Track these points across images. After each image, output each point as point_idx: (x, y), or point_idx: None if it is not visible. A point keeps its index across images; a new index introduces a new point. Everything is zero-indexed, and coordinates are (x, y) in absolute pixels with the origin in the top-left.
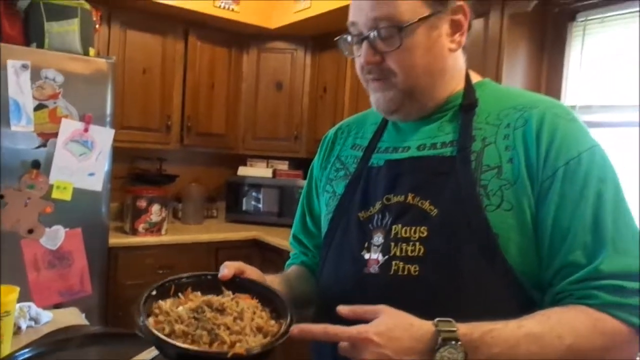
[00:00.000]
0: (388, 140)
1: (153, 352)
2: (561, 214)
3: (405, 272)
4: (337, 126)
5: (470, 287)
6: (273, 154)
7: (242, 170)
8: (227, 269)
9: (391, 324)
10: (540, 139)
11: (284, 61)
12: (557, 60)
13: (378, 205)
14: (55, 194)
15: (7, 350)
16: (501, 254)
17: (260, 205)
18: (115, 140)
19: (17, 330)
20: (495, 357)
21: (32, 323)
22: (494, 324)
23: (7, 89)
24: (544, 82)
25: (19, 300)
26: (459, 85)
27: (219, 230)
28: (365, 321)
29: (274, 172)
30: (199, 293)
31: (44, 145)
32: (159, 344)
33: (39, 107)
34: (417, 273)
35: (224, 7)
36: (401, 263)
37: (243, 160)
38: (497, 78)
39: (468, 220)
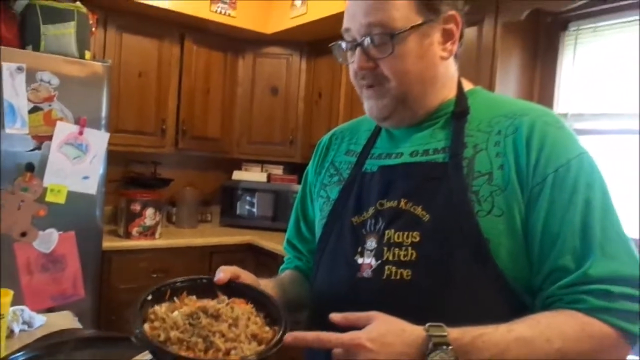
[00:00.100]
0: (381, 146)
1: (147, 355)
2: (551, 220)
3: (398, 277)
4: (331, 132)
5: (462, 291)
6: (268, 158)
7: (237, 175)
8: (223, 273)
9: (383, 329)
10: (530, 146)
11: (279, 66)
12: (550, 69)
13: (371, 211)
14: (49, 197)
15: (0, 354)
16: (492, 259)
17: (255, 210)
18: (110, 143)
19: (10, 333)
20: None
21: (26, 327)
22: (485, 329)
23: (2, 92)
24: (537, 89)
25: (12, 304)
26: (451, 93)
27: (213, 235)
28: (358, 328)
29: (269, 177)
30: (194, 297)
31: (38, 148)
32: (156, 351)
33: (33, 110)
34: (409, 278)
35: (220, 12)
36: (394, 268)
37: (238, 165)
38: (491, 85)
39: (460, 226)
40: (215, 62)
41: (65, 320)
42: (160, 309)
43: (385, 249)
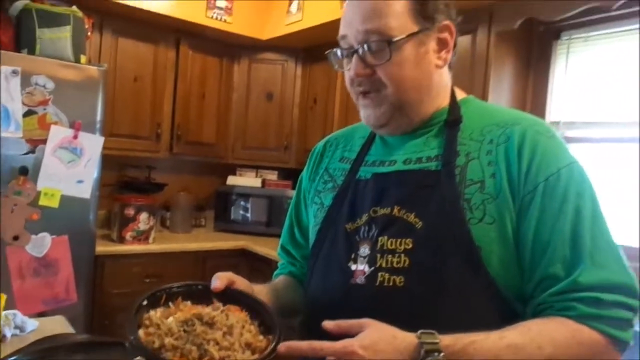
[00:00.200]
0: (375, 154)
1: None
2: (541, 228)
3: (391, 283)
4: (325, 139)
5: (454, 298)
6: (262, 163)
7: (232, 180)
8: (219, 280)
9: (376, 337)
10: (522, 155)
11: (274, 72)
12: (542, 77)
13: (365, 217)
14: (42, 201)
15: None
16: (484, 266)
17: (249, 215)
18: (104, 147)
19: (2, 338)
20: None
21: (18, 331)
22: (476, 335)
23: None
24: (530, 98)
25: (4, 308)
26: (444, 102)
27: (207, 240)
28: (351, 335)
29: (263, 182)
30: (189, 303)
31: (32, 151)
32: (150, 358)
33: (28, 114)
34: (402, 284)
35: (216, 18)
36: (387, 274)
37: (232, 170)
38: (484, 93)
39: (452, 233)
40: (210, 68)
41: (58, 325)
42: (155, 314)
43: (379, 255)
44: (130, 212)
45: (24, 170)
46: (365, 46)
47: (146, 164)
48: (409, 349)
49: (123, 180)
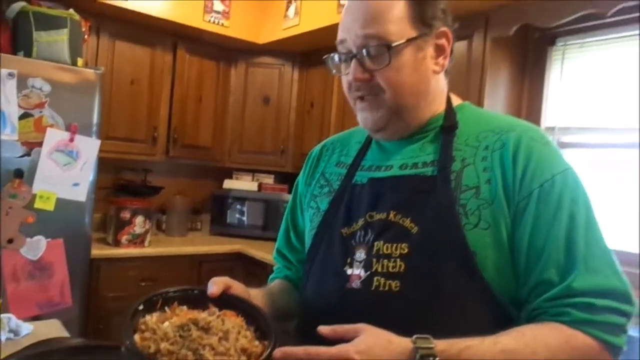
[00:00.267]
0: (371, 158)
1: None
2: (536, 234)
3: (387, 288)
4: (322, 143)
5: (450, 303)
6: (259, 167)
7: (228, 183)
8: (216, 286)
9: (371, 342)
10: (517, 162)
11: (271, 76)
12: (538, 83)
13: (361, 222)
14: (38, 204)
15: None
16: (479, 272)
17: (245, 219)
18: (100, 150)
19: None
20: None
21: (12, 335)
22: (471, 341)
23: None
24: (525, 103)
25: None
26: (440, 107)
27: (203, 243)
28: (346, 340)
29: (260, 186)
30: (185, 307)
31: (28, 154)
32: None
33: (24, 116)
34: (397, 289)
35: (213, 22)
36: (382, 279)
37: (229, 173)
38: (480, 99)
39: (447, 238)
40: (207, 71)
41: (53, 329)
42: (151, 318)
43: (374, 260)
44: (126, 215)
45: (19, 173)
46: (364, 51)
47: (142, 167)
48: (404, 353)
49: (119, 183)
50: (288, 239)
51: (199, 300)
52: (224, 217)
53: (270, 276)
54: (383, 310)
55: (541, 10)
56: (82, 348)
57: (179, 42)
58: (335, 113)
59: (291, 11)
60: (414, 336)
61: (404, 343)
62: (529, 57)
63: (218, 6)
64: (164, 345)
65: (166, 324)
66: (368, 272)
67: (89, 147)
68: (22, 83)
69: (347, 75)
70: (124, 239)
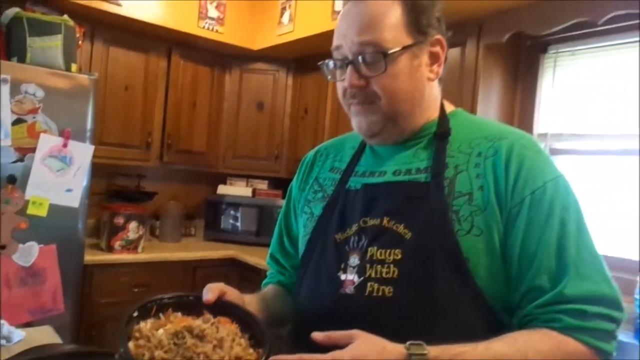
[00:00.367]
0: (365, 164)
1: None
2: (528, 241)
3: (380, 293)
4: (316, 149)
5: (443, 308)
6: (253, 173)
7: (222, 189)
8: (211, 292)
9: (365, 348)
10: (509, 169)
11: (265, 82)
12: (530, 90)
13: (354, 228)
14: (30, 210)
15: None
16: (472, 277)
17: (239, 224)
18: (94, 156)
19: None
20: None
21: (4, 342)
22: (464, 346)
23: None
24: (518, 110)
25: None
26: (434, 114)
27: (196, 249)
28: (340, 346)
29: (254, 192)
30: (179, 314)
31: (21, 160)
32: None
33: (17, 122)
34: (391, 294)
35: (208, 28)
36: (376, 284)
37: (223, 179)
38: (473, 105)
39: (441, 244)
40: (202, 77)
41: (45, 335)
42: (146, 325)
43: (368, 265)
44: (120, 221)
45: (12, 179)
46: (360, 57)
47: (136, 172)
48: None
49: (112, 189)
50: (281, 244)
51: (193, 307)
52: (217, 222)
53: (264, 281)
54: (376, 315)
55: (533, 18)
56: (75, 354)
57: (173, 48)
58: (330, 119)
59: (285, 17)
60: (408, 342)
61: (397, 349)
62: (522, 64)
63: (212, 12)
64: (158, 353)
65: (160, 331)
66: (362, 278)
67: (83, 153)
68: (15, 89)
69: (343, 81)
70: (117, 244)
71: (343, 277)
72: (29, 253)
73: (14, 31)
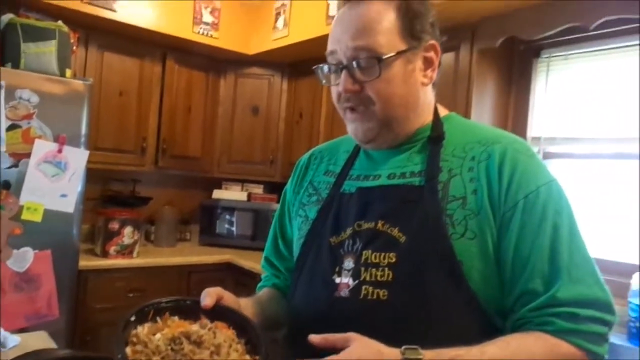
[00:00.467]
0: (360, 168)
1: None
2: (521, 244)
3: (375, 297)
4: (310, 152)
5: (437, 311)
6: (248, 177)
7: (217, 194)
8: (209, 297)
9: (361, 352)
10: (502, 173)
11: (260, 86)
12: (524, 94)
13: (349, 231)
14: (25, 215)
15: None
16: (465, 281)
17: (234, 229)
18: (89, 161)
19: None
20: None
21: None
22: (458, 350)
23: None
24: (512, 114)
25: None
26: (428, 118)
27: (192, 254)
28: (337, 348)
29: (249, 196)
30: (176, 318)
31: (15, 165)
32: None
33: (12, 127)
34: (385, 297)
35: (202, 33)
36: (371, 288)
37: (218, 184)
38: (467, 109)
39: (435, 248)
40: (196, 82)
41: (40, 340)
42: (143, 330)
43: (363, 269)
44: (115, 226)
45: (6, 185)
46: (355, 62)
47: (131, 177)
48: None
49: (107, 194)
50: (276, 247)
51: (190, 311)
52: (213, 227)
53: (259, 284)
54: (371, 318)
55: (526, 23)
56: (70, 359)
57: (168, 54)
58: (324, 123)
59: (280, 22)
60: (403, 347)
61: (393, 353)
62: (515, 68)
63: (207, 17)
64: (155, 359)
65: (158, 336)
66: (356, 281)
67: (78, 158)
68: (10, 94)
69: (337, 85)
70: (112, 249)
71: (338, 280)
72: (23, 259)
73: (8, 37)
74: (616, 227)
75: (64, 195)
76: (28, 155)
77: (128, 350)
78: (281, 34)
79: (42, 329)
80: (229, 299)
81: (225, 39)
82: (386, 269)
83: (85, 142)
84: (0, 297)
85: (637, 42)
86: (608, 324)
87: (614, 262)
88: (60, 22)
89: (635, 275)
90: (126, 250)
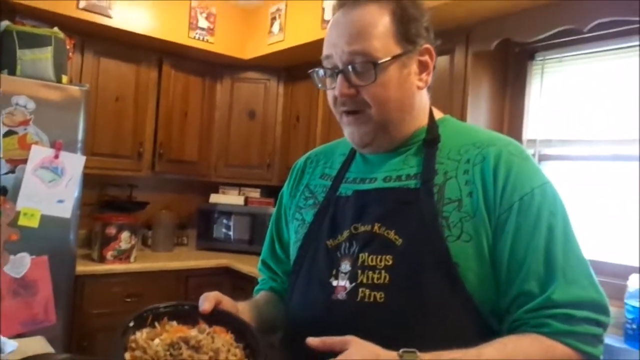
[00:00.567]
0: (356, 171)
1: None
2: (516, 246)
3: (372, 299)
4: (306, 155)
5: (433, 313)
6: (245, 181)
7: (214, 198)
8: (208, 302)
9: (359, 355)
10: (497, 176)
11: (257, 91)
12: (519, 96)
13: (346, 234)
14: (22, 221)
15: None
16: (461, 283)
17: (232, 233)
18: (85, 166)
19: None
20: None
21: None
22: (455, 352)
23: None
24: (507, 116)
25: None
26: (423, 121)
27: (189, 258)
28: (334, 351)
29: (246, 200)
30: (175, 323)
31: (12, 171)
32: None
33: (8, 134)
34: (382, 300)
35: (198, 38)
36: (367, 290)
37: (215, 188)
38: (463, 112)
39: (431, 250)
40: (193, 87)
41: (38, 345)
42: (141, 335)
43: (360, 271)
44: (112, 231)
45: (3, 191)
46: (350, 67)
47: (128, 182)
48: None
49: (104, 200)
50: (273, 250)
51: (189, 316)
52: (210, 231)
53: (256, 287)
54: (368, 321)
55: (521, 26)
56: None
57: (164, 59)
58: (321, 127)
59: (276, 27)
60: (401, 350)
61: (390, 356)
62: (510, 71)
63: (203, 23)
64: None
65: (157, 341)
66: (353, 284)
67: (74, 164)
68: (6, 101)
69: (333, 89)
70: (109, 254)
71: (335, 283)
72: (20, 264)
73: (4, 44)
74: (612, 228)
75: (60, 201)
76: (25, 161)
77: (127, 355)
78: (277, 39)
79: (38, 334)
80: (228, 303)
81: (221, 44)
82: (383, 271)
83: (82, 147)
84: None
85: (631, 44)
86: (603, 325)
87: (610, 264)
88: (56, 29)
89: (632, 277)
90: (123, 255)
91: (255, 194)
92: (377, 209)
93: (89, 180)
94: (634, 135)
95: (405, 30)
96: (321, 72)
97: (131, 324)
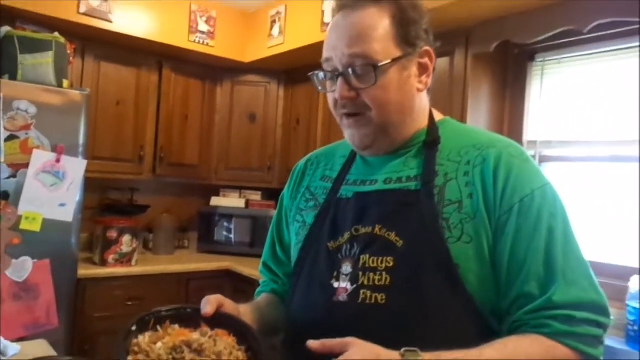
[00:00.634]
0: (356, 173)
1: None
2: (517, 248)
3: (373, 301)
4: (306, 157)
5: (434, 315)
6: (246, 184)
7: (215, 201)
8: (210, 305)
9: (360, 356)
10: (497, 177)
11: (257, 94)
12: (519, 98)
13: (347, 236)
14: (24, 225)
15: None
16: (462, 284)
17: (232, 236)
18: (87, 170)
19: None
20: None
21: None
22: (456, 353)
23: None
24: (507, 118)
25: None
26: (423, 123)
27: (190, 261)
28: (335, 354)
29: (247, 203)
30: (177, 326)
31: (13, 176)
32: None
33: (10, 138)
34: (383, 301)
35: (198, 42)
36: (369, 292)
37: (216, 191)
38: (463, 114)
39: (431, 252)
40: (193, 90)
41: (40, 349)
42: (144, 339)
43: (361, 273)
44: (113, 234)
45: (5, 195)
46: (351, 70)
47: (129, 186)
48: None
49: (105, 203)
50: (274, 252)
51: (191, 319)
52: (211, 234)
53: (257, 290)
54: (369, 322)
55: (520, 27)
56: None
57: (164, 63)
58: (321, 129)
59: (275, 30)
60: (403, 349)
61: (392, 356)
62: (510, 72)
63: (203, 26)
64: None
65: (159, 345)
66: (354, 285)
67: (76, 168)
68: (7, 106)
69: (333, 92)
70: (110, 258)
71: (336, 285)
72: (22, 268)
73: (5, 49)
74: (613, 230)
75: (62, 205)
76: (26, 165)
77: (130, 359)
78: (277, 42)
79: (40, 337)
80: (229, 306)
81: (221, 47)
82: (384, 273)
83: (83, 151)
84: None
85: (631, 45)
86: (603, 327)
87: (611, 265)
88: (56, 34)
89: (633, 279)
90: (125, 259)
91: (256, 196)
92: (378, 210)
93: (90, 184)
94: (634, 137)
95: (405, 33)
96: (321, 75)
97: (133, 328)
